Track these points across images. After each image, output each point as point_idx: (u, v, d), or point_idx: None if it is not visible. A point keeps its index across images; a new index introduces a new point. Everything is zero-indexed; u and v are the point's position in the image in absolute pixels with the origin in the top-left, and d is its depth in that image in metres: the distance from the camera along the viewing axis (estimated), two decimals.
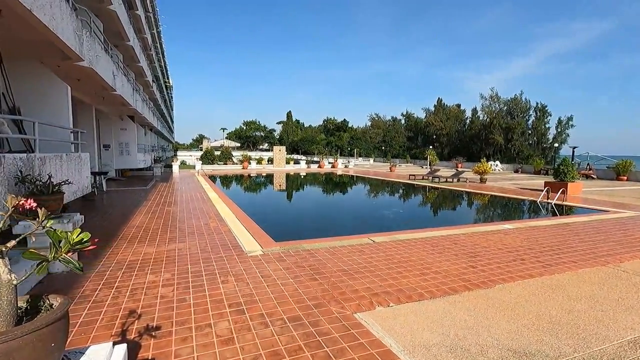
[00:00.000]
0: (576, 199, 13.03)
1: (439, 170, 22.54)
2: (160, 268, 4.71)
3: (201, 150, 55.09)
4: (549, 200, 11.70)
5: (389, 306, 3.69)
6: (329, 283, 4.25)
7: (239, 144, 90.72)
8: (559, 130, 50.17)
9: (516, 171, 29.18)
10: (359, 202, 14.26)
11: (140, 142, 21.06)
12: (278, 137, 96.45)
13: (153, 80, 25.25)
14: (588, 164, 23.28)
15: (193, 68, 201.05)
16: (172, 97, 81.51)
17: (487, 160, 33.73)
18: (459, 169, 28.12)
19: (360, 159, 55.26)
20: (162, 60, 39.03)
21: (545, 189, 12.10)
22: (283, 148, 33.74)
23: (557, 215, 10.19)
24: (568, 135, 49.97)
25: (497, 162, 31.25)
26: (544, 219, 8.70)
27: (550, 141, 48.47)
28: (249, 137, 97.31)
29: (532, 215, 10.84)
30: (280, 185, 20.04)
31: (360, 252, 5.55)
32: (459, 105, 61.12)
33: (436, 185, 17.33)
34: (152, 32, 28.01)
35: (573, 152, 23.15)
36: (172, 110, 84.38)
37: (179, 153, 75.43)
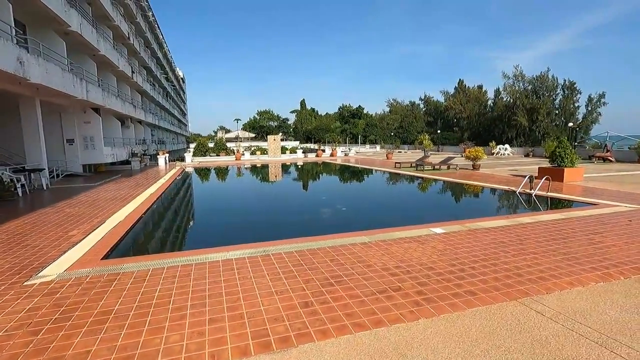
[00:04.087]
0: (571, 187, 10.85)
1: (429, 157, 20.41)
2: None
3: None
4: (531, 191, 9.65)
5: None
6: (37, 347, 2.84)
7: (253, 135, 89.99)
8: (590, 109, 45.42)
9: (527, 155, 26.21)
10: (306, 199, 11.93)
11: (114, 135, 20.33)
12: (292, 126, 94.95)
13: (133, 72, 24.37)
14: (605, 145, 20.20)
15: (215, 60, 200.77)
16: (183, 89, 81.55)
17: (505, 144, 30.71)
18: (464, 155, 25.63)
19: (367, 146, 53.02)
20: (157, 52, 38.30)
21: (527, 177, 10.00)
22: (278, 137, 32.29)
23: (528, 210, 8.23)
24: (600, 114, 45.20)
25: (507, 146, 28.35)
26: (498, 218, 6.80)
27: (580, 121, 43.89)
28: (263, 127, 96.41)
29: (498, 211, 8.88)
30: (250, 179, 18.49)
31: (173, 279, 4.10)
32: (480, 87, 57.01)
33: (417, 174, 15.34)
34: (135, 21, 27.14)
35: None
36: (184, 102, 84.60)
37: (192, 145, 75.31)
